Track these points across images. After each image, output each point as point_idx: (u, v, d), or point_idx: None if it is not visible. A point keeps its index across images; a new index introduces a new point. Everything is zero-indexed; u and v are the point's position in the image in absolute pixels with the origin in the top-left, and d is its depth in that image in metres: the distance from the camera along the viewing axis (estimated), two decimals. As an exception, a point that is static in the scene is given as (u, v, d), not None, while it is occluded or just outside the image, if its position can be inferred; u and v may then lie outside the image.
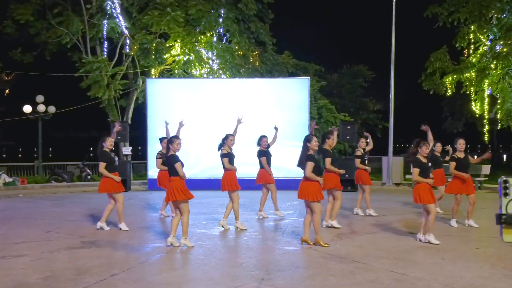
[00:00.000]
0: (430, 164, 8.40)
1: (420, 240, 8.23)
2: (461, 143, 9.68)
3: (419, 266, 6.72)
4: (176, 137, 8.16)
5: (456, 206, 9.82)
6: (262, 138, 10.72)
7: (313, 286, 5.81)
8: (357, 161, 11.35)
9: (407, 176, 18.16)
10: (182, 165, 7.81)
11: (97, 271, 6.45)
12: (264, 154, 10.67)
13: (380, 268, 6.61)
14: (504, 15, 18.54)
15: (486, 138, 24.63)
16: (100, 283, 5.94)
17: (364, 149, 11.47)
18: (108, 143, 9.40)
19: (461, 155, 9.68)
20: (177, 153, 7.89)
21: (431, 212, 8.05)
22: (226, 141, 9.45)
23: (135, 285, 5.84)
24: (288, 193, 12.44)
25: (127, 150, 18.32)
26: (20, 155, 49.45)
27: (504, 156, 39.79)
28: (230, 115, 17.25)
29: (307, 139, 8.03)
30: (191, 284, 5.91)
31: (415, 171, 8.17)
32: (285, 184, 14.81)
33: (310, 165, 7.83)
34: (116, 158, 9.45)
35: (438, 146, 11.78)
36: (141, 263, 6.93)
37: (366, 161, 11.49)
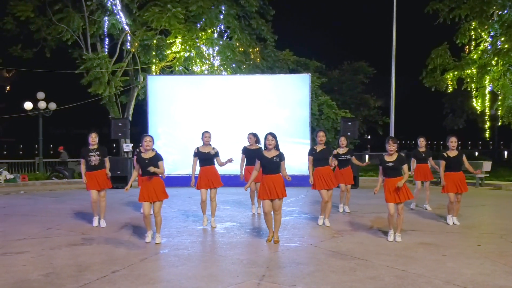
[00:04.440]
0: (393, 164, 8.06)
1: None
2: (452, 141, 9.50)
3: (420, 262, 6.72)
4: None
5: (450, 203, 9.66)
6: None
7: (314, 283, 5.81)
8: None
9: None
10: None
11: (98, 267, 6.46)
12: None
13: (381, 264, 6.61)
14: (505, 11, 18.51)
15: (487, 135, 24.66)
16: (101, 279, 5.94)
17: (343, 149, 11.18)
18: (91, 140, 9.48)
19: (452, 153, 9.53)
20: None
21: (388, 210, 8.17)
22: None
23: (136, 282, 5.84)
24: (289, 190, 12.42)
25: (128, 146, 18.33)
26: (20, 152, 49.52)
27: (505, 152, 39.74)
28: (231, 111, 17.34)
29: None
30: (192, 280, 5.91)
31: (380, 168, 8.25)
32: (286, 181, 14.80)
33: None
34: (92, 158, 9.44)
35: (422, 141, 11.66)
36: (142, 259, 6.93)
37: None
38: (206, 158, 9.38)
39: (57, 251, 7.46)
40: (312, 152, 9.36)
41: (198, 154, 9.40)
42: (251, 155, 10.36)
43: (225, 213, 11.14)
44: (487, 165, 17.69)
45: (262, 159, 7.95)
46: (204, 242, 8.21)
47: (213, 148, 9.45)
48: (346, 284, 5.76)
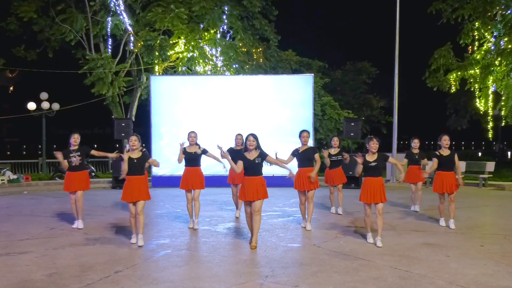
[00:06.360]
0: (375, 163, 7.89)
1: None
2: (445, 140, 9.34)
3: (423, 263, 6.71)
4: None
5: (441, 205, 9.59)
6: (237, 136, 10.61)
7: (317, 283, 5.81)
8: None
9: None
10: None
11: (101, 268, 6.47)
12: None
13: (384, 265, 6.60)
14: (509, 12, 18.48)
15: (490, 135, 24.64)
16: (104, 280, 5.95)
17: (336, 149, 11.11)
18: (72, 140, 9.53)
19: (445, 152, 9.40)
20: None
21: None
22: None
23: (139, 282, 5.85)
24: (291, 190, 12.37)
25: (130, 147, 18.32)
26: (24, 152, 49.63)
27: (509, 153, 39.68)
28: (234, 112, 17.35)
29: None
30: (195, 281, 5.91)
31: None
32: (289, 182, 14.77)
33: None
34: (73, 159, 9.46)
35: (416, 143, 11.55)
36: (145, 260, 6.95)
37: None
38: (192, 158, 9.29)
39: (60, 251, 7.48)
40: (294, 153, 9.30)
41: (184, 154, 9.30)
42: (236, 156, 10.28)
43: (228, 214, 11.14)
44: (490, 166, 17.64)
45: (244, 161, 7.79)
46: (207, 242, 8.21)
47: (199, 148, 9.35)
48: (349, 285, 5.75)
